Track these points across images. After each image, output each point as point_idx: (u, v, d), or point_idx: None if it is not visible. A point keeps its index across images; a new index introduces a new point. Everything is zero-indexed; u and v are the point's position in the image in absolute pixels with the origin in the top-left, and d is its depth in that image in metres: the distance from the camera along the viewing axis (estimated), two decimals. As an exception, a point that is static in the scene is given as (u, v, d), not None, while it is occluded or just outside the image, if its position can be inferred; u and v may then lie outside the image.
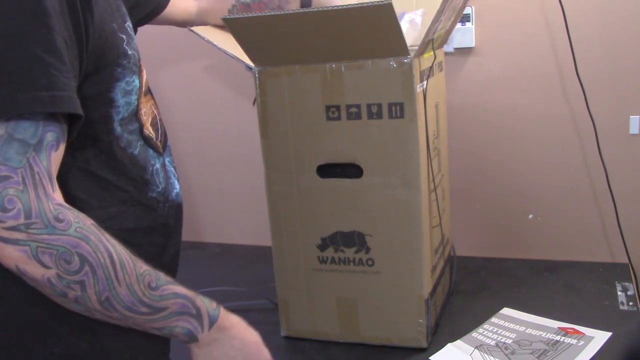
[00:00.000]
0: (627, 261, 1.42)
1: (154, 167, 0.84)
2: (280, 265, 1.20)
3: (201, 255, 1.71)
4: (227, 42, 1.09)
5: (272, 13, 1.00)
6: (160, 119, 0.90)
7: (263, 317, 1.31)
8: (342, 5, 0.97)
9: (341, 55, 1.05)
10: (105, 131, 0.77)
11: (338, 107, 1.08)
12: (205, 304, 0.77)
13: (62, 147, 0.67)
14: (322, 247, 1.15)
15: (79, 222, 0.66)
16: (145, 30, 1.60)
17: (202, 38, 1.15)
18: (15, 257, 0.63)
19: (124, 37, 0.78)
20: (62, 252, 0.64)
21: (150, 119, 0.85)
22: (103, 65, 0.74)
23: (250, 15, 1.01)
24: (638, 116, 1.40)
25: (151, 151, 0.84)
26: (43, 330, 0.74)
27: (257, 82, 1.12)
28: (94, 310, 0.68)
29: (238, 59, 1.14)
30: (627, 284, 1.32)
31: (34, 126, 0.63)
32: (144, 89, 0.84)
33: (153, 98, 0.90)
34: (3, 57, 0.62)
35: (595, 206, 1.47)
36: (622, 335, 1.11)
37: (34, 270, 0.64)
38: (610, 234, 1.47)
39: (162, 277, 0.73)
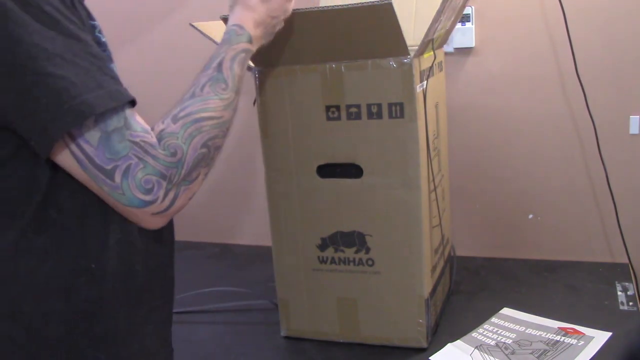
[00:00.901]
0: (627, 261, 1.42)
1: None
2: (280, 265, 1.20)
3: (201, 255, 1.71)
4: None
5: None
6: None
7: (263, 317, 1.31)
8: (342, 5, 0.97)
9: (341, 55, 1.05)
10: None
11: (338, 107, 1.08)
12: (239, 40, 0.84)
13: (134, 109, 0.72)
14: (322, 247, 1.15)
15: (177, 135, 0.72)
16: (145, 29, 1.60)
17: (203, 34, 1.15)
18: (186, 200, 0.73)
19: (95, 23, 0.77)
20: (196, 161, 0.72)
21: None
22: None
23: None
24: (638, 116, 1.40)
25: None
26: (60, 347, 0.73)
27: (257, 82, 1.12)
28: (227, 137, 0.79)
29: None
30: (627, 284, 1.32)
31: (116, 114, 0.68)
32: None
33: None
34: (69, 68, 0.65)
35: (595, 206, 1.47)
36: (622, 335, 1.11)
37: (196, 187, 0.74)
38: (610, 234, 1.47)
39: (212, 72, 0.79)
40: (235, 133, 1.74)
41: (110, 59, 0.77)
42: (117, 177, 0.67)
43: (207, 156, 0.74)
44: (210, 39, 1.15)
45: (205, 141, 0.74)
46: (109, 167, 0.67)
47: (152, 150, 0.69)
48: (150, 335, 0.81)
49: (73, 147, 0.67)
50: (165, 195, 0.70)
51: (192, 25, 1.17)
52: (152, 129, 0.72)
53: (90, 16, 0.76)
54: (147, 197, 0.68)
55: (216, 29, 1.12)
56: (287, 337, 1.23)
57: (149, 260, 0.79)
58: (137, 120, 0.70)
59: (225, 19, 1.01)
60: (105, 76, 0.68)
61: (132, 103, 0.71)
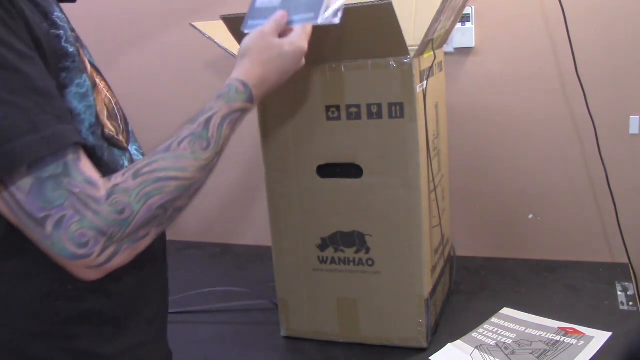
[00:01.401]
0: (627, 261, 1.42)
1: (123, 168, 0.77)
2: (280, 265, 1.20)
3: (201, 255, 1.71)
4: (228, 40, 1.09)
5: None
6: (116, 103, 0.84)
7: (263, 317, 1.31)
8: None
9: (341, 55, 1.05)
10: None
11: (338, 107, 1.08)
12: (237, 98, 0.78)
13: (82, 152, 0.66)
14: (322, 247, 1.15)
15: (131, 193, 0.66)
16: (145, 27, 1.61)
17: (203, 34, 1.15)
18: (128, 258, 0.67)
19: (60, 32, 0.70)
20: (147, 221, 0.67)
21: (106, 112, 0.79)
22: None
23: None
24: (638, 116, 1.40)
25: (116, 151, 0.78)
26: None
27: (257, 82, 1.11)
28: (194, 199, 0.73)
29: (238, 58, 1.14)
30: (627, 284, 1.32)
31: (54, 160, 0.62)
32: (90, 83, 0.76)
33: (104, 79, 0.83)
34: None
35: (595, 206, 1.47)
36: (622, 335, 1.11)
37: (143, 246, 0.68)
38: (610, 234, 1.47)
39: (198, 128, 0.73)
40: (235, 133, 1.74)
41: (80, 70, 0.71)
42: (49, 227, 0.62)
43: (163, 217, 0.68)
44: (211, 39, 1.15)
45: (164, 203, 0.67)
46: (40, 215, 0.62)
47: (94, 205, 0.63)
48: (143, 346, 0.80)
49: (3, 191, 0.62)
50: (103, 251, 0.64)
51: (192, 25, 1.17)
52: (110, 179, 0.66)
53: (55, 25, 0.69)
54: (81, 251, 0.63)
55: (216, 29, 1.12)
56: (287, 337, 1.23)
57: (137, 273, 0.77)
58: (82, 169, 0.64)
59: (225, 19, 1.01)
60: (45, 115, 0.61)
61: (85, 145, 0.66)
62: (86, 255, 0.63)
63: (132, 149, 0.83)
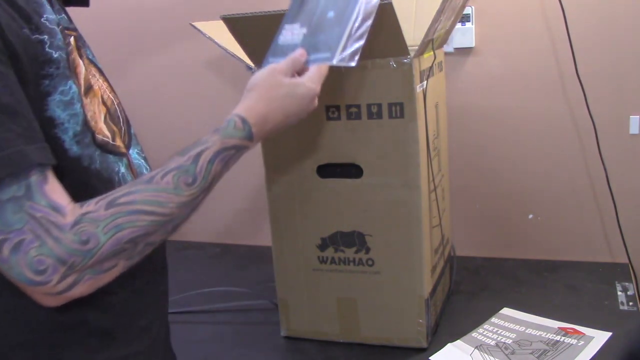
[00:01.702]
0: (627, 261, 1.42)
1: (119, 174, 0.76)
2: (280, 265, 1.20)
3: (201, 255, 1.71)
4: (228, 40, 1.09)
5: (272, 13, 0.99)
6: (119, 105, 0.82)
7: (263, 317, 1.31)
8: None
9: (341, 55, 1.04)
10: (55, 157, 0.66)
11: (338, 107, 1.08)
12: (234, 134, 0.74)
13: (50, 174, 0.63)
14: (322, 247, 1.15)
15: (100, 224, 0.62)
16: (143, 26, 1.60)
17: (203, 34, 1.15)
18: (90, 288, 0.63)
19: (44, 37, 0.66)
20: (113, 254, 0.63)
21: (103, 115, 0.76)
22: (23, 85, 0.63)
23: (250, 14, 1.01)
24: (638, 116, 1.40)
25: (110, 157, 0.75)
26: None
27: (257, 82, 1.11)
28: (172, 234, 0.69)
29: (239, 58, 1.14)
30: (627, 284, 1.32)
31: (15, 181, 0.59)
32: (83, 87, 0.73)
33: (107, 80, 0.81)
34: None
35: (595, 206, 1.47)
36: (622, 335, 1.11)
37: (108, 278, 0.64)
38: (610, 234, 1.47)
39: (186, 161, 0.69)
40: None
41: (65, 77, 0.68)
42: (5, 251, 0.59)
43: (133, 251, 0.65)
44: (211, 39, 1.15)
45: (134, 237, 0.64)
46: None
47: (56, 232, 0.60)
48: (139, 355, 0.79)
49: None
50: (62, 279, 0.61)
51: (193, 25, 1.17)
52: (82, 206, 0.63)
53: (39, 29, 0.66)
54: (38, 278, 0.60)
55: (216, 29, 1.12)
56: (287, 337, 1.23)
57: (129, 284, 0.74)
58: (46, 192, 0.61)
59: (225, 19, 1.01)
60: (7, 133, 0.58)
61: (53, 166, 0.63)
62: (44, 282, 0.60)
63: (132, 152, 0.82)
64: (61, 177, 0.66)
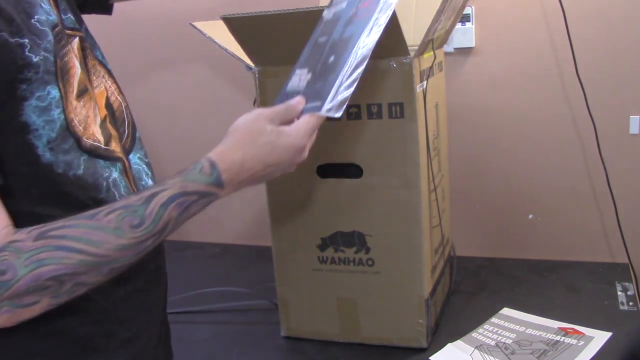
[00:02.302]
0: (627, 261, 1.42)
1: (110, 180, 0.73)
2: (280, 265, 1.20)
3: (201, 255, 1.71)
4: (228, 40, 1.09)
5: (272, 13, 0.99)
6: (126, 107, 0.81)
7: (263, 317, 1.31)
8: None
9: (341, 55, 1.04)
10: (26, 163, 0.65)
11: (338, 107, 1.08)
12: (198, 179, 0.68)
13: None
14: (322, 247, 1.15)
15: (22, 255, 0.59)
16: (142, 25, 1.60)
17: (203, 34, 1.15)
18: (8, 322, 0.60)
19: (25, 41, 0.64)
20: (33, 289, 0.59)
21: (100, 120, 0.75)
22: None
23: (250, 14, 1.01)
24: (638, 116, 1.40)
25: (101, 162, 0.73)
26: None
27: (257, 82, 1.11)
28: (111, 276, 0.64)
29: (238, 58, 1.14)
30: (627, 284, 1.32)
31: None
32: (75, 90, 0.71)
33: (115, 82, 0.80)
34: None
35: (595, 206, 1.47)
36: (622, 335, 1.11)
37: (29, 313, 0.60)
38: (610, 234, 1.47)
39: (137, 201, 0.64)
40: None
41: (44, 82, 0.66)
42: None
43: (58, 289, 0.60)
44: (211, 39, 1.15)
45: (58, 275, 0.59)
46: None
47: None
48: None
49: None
50: None
51: (193, 25, 1.17)
52: (15, 233, 0.61)
53: (21, 32, 0.64)
54: None
55: (216, 29, 1.12)
56: (287, 337, 1.23)
57: (110, 292, 0.72)
58: None
59: (225, 19, 1.01)
60: None
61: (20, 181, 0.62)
62: None
63: (133, 157, 0.80)
64: (32, 183, 0.65)
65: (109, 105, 0.79)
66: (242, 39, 1.06)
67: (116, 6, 1.02)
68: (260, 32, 1.03)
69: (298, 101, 0.77)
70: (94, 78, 0.78)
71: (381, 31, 0.78)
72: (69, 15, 0.76)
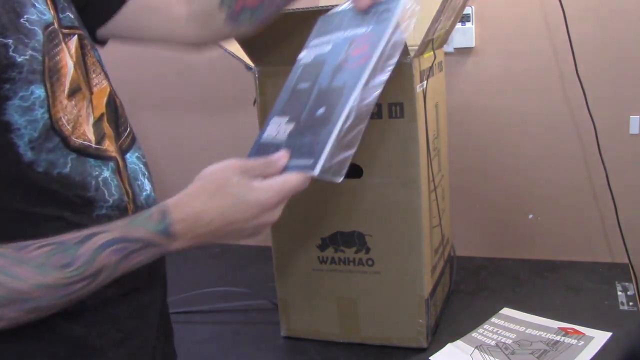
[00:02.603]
0: (627, 261, 1.42)
1: (100, 179, 0.72)
2: (280, 265, 1.20)
3: (201, 255, 1.71)
4: (228, 40, 1.09)
5: (272, 13, 0.99)
6: (120, 104, 0.79)
7: (263, 317, 1.31)
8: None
9: (341, 55, 1.04)
10: (8, 162, 0.64)
11: (338, 107, 1.08)
12: (144, 225, 0.63)
13: None
14: (322, 247, 1.15)
15: None
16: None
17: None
18: None
19: (10, 41, 0.63)
20: None
21: (93, 119, 0.74)
22: None
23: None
24: (638, 116, 1.40)
25: (91, 161, 0.71)
26: None
27: (257, 82, 1.11)
28: (40, 316, 0.60)
29: (238, 58, 1.14)
30: (627, 284, 1.32)
31: None
32: (67, 90, 0.70)
33: (110, 84, 0.79)
34: None
35: (595, 206, 1.47)
36: (622, 335, 1.11)
37: None
38: (610, 234, 1.47)
39: (72, 239, 0.60)
40: (235, 133, 1.74)
41: (28, 82, 0.65)
42: None
43: None
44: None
45: None
46: None
47: None
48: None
49: None
50: None
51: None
52: None
53: (6, 32, 0.64)
54: None
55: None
56: (287, 337, 1.23)
57: (105, 290, 0.68)
58: None
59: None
60: None
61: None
62: None
63: (131, 157, 0.79)
64: (14, 182, 0.65)
65: (110, 103, 0.79)
66: (241, 39, 1.06)
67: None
68: (260, 32, 1.03)
69: (281, 156, 0.68)
70: (94, 76, 0.77)
71: (382, 87, 0.67)
72: (68, 13, 0.76)
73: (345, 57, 0.70)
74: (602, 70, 1.39)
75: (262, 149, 0.72)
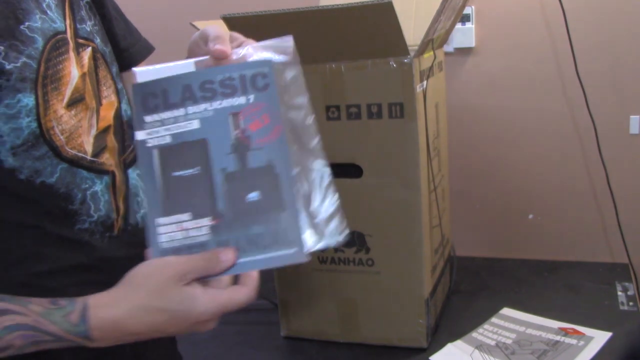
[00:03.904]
0: (627, 261, 1.42)
1: (88, 192, 0.71)
2: (280, 265, 1.20)
3: (201, 255, 1.71)
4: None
5: (272, 12, 0.99)
6: (130, 120, 0.80)
7: (263, 317, 1.31)
8: (342, 5, 0.97)
9: (341, 55, 1.04)
10: None
11: (338, 107, 1.08)
12: (59, 322, 0.58)
13: None
14: (322, 247, 1.15)
15: None
16: (143, 26, 1.59)
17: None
18: None
19: (0, 48, 0.63)
20: None
21: (95, 131, 0.73)
22: None
23: (249, 14, 1.01)
24: (638, 116, 1.40)
25: (84, 173, 0.70)
26: None
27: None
28: None
29: (238, 58, 1.14)
30: (627, 284, 1.32)
31: None
32: (66, 99, 0.69)
33: (119, 100, 0.79)
34: None
35: (595, 206, 1.47)
36: (622, 335, 1.11)
37: None
38: (610, 234, 1.47)
39: None
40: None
41: (15, 90, 0.64)
42: None
43: None
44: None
45: None
46: None
47: None
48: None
49: None
50: None
51: (193, 25, 1.17)
52: None
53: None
54: None
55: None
56: (287, 337, 1.23)
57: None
58: None
59: (225, 19, 1.01)
60: None
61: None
62: None
63: (133, 172, 0.78)
64: None
65: (119, 116, 0.78)
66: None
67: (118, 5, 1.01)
68: (260, 32, 1.03)
69: (227, 252, 0.61)
70: (104, 88, 0.77)
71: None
72: (85, 25, 0.76)
73: (242, 134, 0.63)
74: (602, 70, 1.39)
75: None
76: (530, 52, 1.44)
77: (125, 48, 0.88)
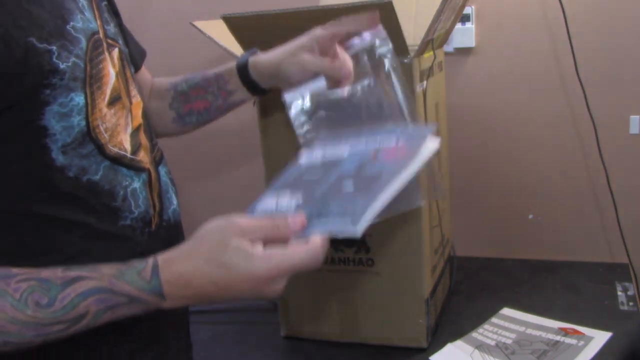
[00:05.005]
0: (627, 261, 1.42)
1: (128, 189, 0.72)
2: (280, 265, 1.20)
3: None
4: (228, 40, 1.09)
5: (272, 12, 0.99)
6: (149, 123, 0.82)
7: (263, 317, 1.31)
8: (342, 5, 0.97)
9: (341, 55, 1.04)
10: (39, 164, 0.65)
11: (338, 107, 1.08)
12: (133, 281, 0.59)
13: None
14: (322, 247, 1.15)
15: None
16: (143, 26, 1.60)
17: (204, 34, 1.15)
18: None
19: (54, 47, 0.64)
20: None
21: (131, 129, 0.75)
22: (21, 93, 0.62)
23: (250, 14, 1.01)
24: (638, 116, 1.40)
25: (124, 170, 0.72)
26: None
27: (257, 82, 1.11)
28: (7, 349, 0.57)
29: (238, 57, 1.14)
30: (627, 284, 1.32)
31: None
32: (107, 98, 0.71)
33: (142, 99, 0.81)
34: None
35: (595, 206, 1.47)
36: (622, 335, 1.11)
37: None
38: (610, 234, 1.47)
39: (58, 279, 0.58)
40: (235, 133, 1.74)
41: (68, 89, 0.66)
42: None
43: None
44: (211, 38, 1.15)
45: None
46: None
47: None
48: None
49: None
50: None
51: (193, 25, 1.17)
52: None
53: (50, 38, 0.64)
54: None
55: (216, 29, 1.12)
56: (287, 337, 1.23)
57: None
58: None
59: (225, 19, 1.01)
60: None
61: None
62: None
63: (162, 170, 0.80)
64: (44, 185, 0.65)
65: (145, 115, 0.80)
66: (241, 39, 1.06)
67: (117, 5, 1.01)
68: (260, 32, 1.03)
69: (297, 220, 0.61)
70: (131, 88, 0.79)
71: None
72: (110, 27, 0.78)
73: (375, 158, 0.68)
74: (602, 70, 1.39)
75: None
76: (531, 52, 1.44)
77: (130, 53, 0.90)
